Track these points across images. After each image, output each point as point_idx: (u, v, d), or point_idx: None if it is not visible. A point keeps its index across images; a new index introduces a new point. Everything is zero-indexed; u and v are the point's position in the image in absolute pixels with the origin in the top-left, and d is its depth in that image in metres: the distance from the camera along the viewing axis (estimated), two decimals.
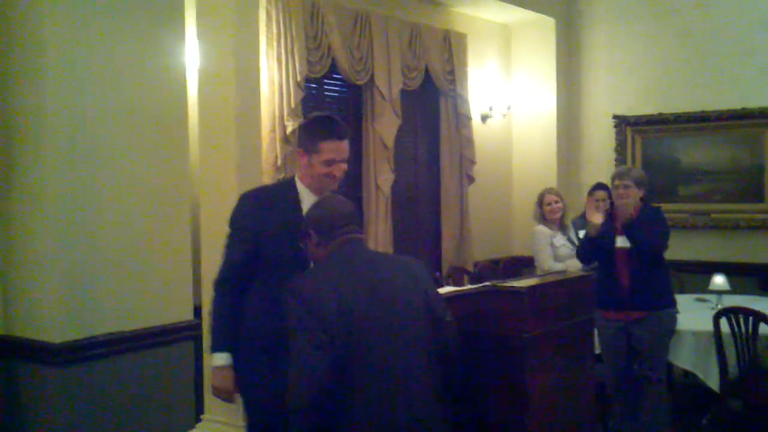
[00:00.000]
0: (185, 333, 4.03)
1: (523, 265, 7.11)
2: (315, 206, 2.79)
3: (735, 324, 4.62)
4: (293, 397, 2.42)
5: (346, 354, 2.42)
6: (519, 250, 7.64)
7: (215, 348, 2.94)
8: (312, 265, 2.79)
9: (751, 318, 4.58)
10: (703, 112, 6.96)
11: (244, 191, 3.10)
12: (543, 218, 5.62)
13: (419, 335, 2.59)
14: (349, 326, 2.44)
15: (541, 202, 5.65)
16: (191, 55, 4.29)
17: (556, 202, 5.60)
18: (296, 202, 2.97)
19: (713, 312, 4.77)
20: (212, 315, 2.97)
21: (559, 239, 5.55)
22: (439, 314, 2.71)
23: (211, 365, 2.96)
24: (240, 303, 2.94)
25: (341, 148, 2.96)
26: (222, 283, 2.96)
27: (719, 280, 5.47)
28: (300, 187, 3.01)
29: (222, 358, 2.91)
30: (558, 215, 5.61)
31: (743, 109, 6.78)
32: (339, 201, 2.78)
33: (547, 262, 5.45)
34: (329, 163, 2.94)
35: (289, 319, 2.50)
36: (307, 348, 2.40)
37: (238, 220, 2.99)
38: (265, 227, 2.93)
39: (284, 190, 3.04)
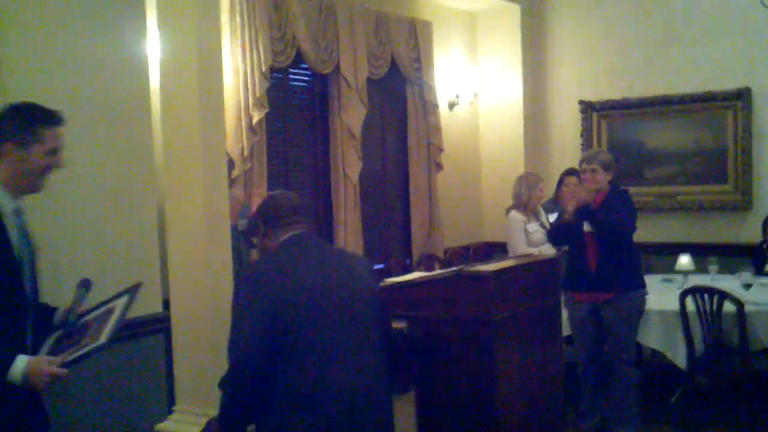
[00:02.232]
0: (155, 325, 3.99)
1: (495, 250, 7.14)
2: (264, 199, 2.91)
3: (700, 302, 4.69)
4: (228, 378, 2.62)
5: (289, 329, 2.56)
6: (490, 236, 7.68)
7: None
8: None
9: (716, 296, 4.64)
10: (666, 96, 7.03)
11: None
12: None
13: (364, 316, 2.74)
14: (293, 305, 2.57)
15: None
16: (153, 45, 4.25)
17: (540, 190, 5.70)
18: None
19: (679, 291, 4.83)
20: None
21: (533, 225, 5.59)
22: (382, 311, 2.88)
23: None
24: None
25: (61, 134, 2.63)
26: None
27: (684, 260, 5.55)
28: None
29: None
30: (542, 201, 5.72)
31: (706, 92, 6.86)
32: (286, 194, 2.95)
33: (520, 248, 5.47)
34: (54, 151, 2.58)
35: (235, 297, 2.65)
36: (243, 334, 2.56)
37: None
38: None
39: None
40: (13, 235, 2.55)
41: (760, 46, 6.68)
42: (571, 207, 4.57)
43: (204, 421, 3.70)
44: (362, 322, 2.73)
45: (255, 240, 2.82)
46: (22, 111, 2.59)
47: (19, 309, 2.55)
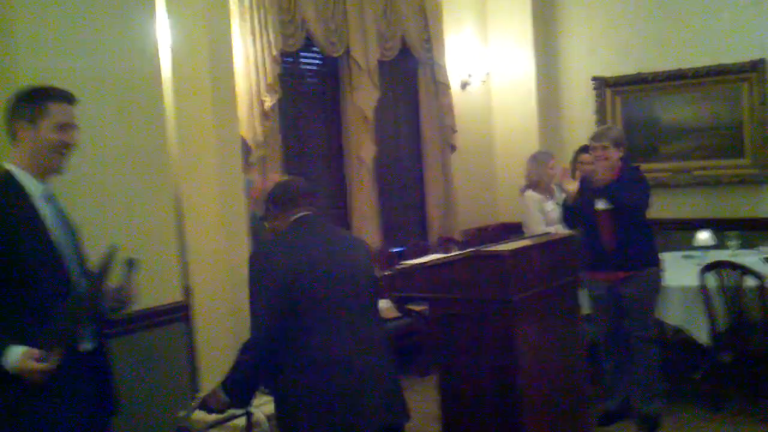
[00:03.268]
0: (176, 314, 4.02)
1: (511, 231, 7.09)
2: (274, 185, 3.15)
3: (721, 278, 4.65)
4: (249, 345, 2.85)
5: (299, 307, 2.79)
6: (506, 216, 7.61)
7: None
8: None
9: (736, 271, 4.60)
10: (680, 69, 6.95)
11: None
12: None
13: (364, 293, 2.98)
14: (302, 279, 2.80)
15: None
16: (163, 31, 4.23)
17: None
18: (23, 195, 2.54)
19: (699, 267, 4.79)
20: None
21: (549, 204, 5.53)
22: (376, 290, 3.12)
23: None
24: None
25: (72, 113, 2.64)
26: None
27: (703, 236, 5.51)
28: (19, 174, 2.56)
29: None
30: (555, 179, 5.61)
31: (720, 65, 6.78)
32: (294, 180, 3.21)
33: (538, 227, 5.41)
34: (62, 127, 2.59)
35: (249, 279, 2.87)
36: (260, 307, 2.80)
37: None
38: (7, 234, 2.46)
39: (3, 187, 2.55)
40: (47, 218, 2.57)
41: None
42: (569, 187, 4.55)
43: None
44: (362, 299, 2.96)
45: (266, 223, 2.98)
46: (30, 91, 2.66)
47: (64, 294, 2.52)
